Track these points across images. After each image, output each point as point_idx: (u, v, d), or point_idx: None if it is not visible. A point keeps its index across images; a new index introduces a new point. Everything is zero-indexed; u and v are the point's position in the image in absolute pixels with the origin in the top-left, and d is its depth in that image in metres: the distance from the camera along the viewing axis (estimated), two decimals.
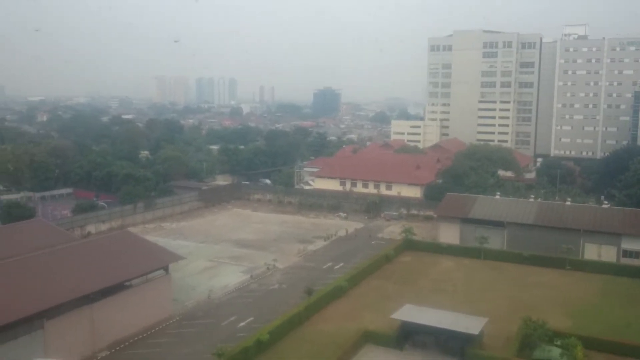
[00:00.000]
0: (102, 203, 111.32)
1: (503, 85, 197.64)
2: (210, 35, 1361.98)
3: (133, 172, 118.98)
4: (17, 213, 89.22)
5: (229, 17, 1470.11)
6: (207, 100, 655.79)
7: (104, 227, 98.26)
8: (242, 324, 58.32)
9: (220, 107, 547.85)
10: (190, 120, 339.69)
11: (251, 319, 59.43)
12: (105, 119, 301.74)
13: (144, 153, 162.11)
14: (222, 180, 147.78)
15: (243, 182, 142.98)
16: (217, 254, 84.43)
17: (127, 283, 57.11)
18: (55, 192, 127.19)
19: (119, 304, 54.78)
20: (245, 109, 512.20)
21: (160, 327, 57.63)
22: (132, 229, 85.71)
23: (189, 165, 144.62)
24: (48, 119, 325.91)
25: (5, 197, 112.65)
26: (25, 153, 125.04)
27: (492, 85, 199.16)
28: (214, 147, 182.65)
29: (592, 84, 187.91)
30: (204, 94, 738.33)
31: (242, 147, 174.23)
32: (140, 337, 55.19)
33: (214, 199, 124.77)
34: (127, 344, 53.71)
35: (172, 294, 62.31)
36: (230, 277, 73.37)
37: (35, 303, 47.32)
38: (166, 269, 61.66)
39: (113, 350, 52.39)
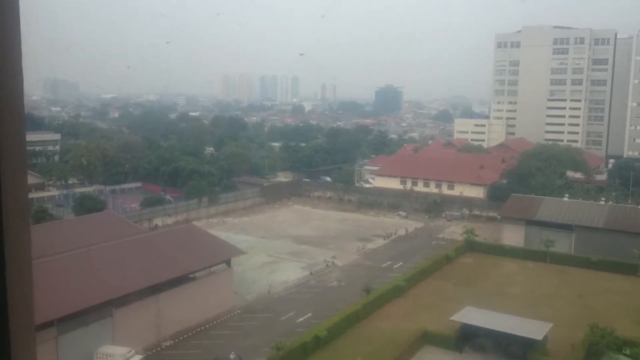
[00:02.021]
0: (169, 197, 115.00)
1: (574, 83, 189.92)
2: (273, 34, 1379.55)
3: (198, 168, 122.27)
4: (89, 205, 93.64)
5: (291, 15, 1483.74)
6: (270, 98, 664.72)
7: (170, 220, 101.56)
8: (300, 319, 58.98)
9: (283, 105, 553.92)
10: (254, 118, 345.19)
11: (310, 314, 60.00)
12: (172, 115, 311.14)
13: (209, 149, 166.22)
14: (283, 177, 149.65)
15: (303, 179, 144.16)
16: (277, 249, 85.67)
17: (191, 275, 58.94)
18: (125, 185, 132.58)
19: (183, 296, 56.61)
20: (307, 106, 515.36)
21: (222, 319, 59.11)
22: (196, 223, 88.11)
23: (251, 162, 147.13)
24: (119, 116, 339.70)
25: (78, 190, 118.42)
26: (98, 148, 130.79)
27: (562, 82, 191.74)
28: (276, 144, 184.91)
29: None
30: (267, 91, 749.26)
31: (303, 144, 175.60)
32: (202, 328, 56.83)
33: (275, 195, 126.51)
34: (190, 334, 55.44)
35: (233, 287, 63.80)
36: (290, 273, 74.31)
37: (105, 292, 49.62)
38: (228, 262, 63.20)
39: (177, 340, 54.19)
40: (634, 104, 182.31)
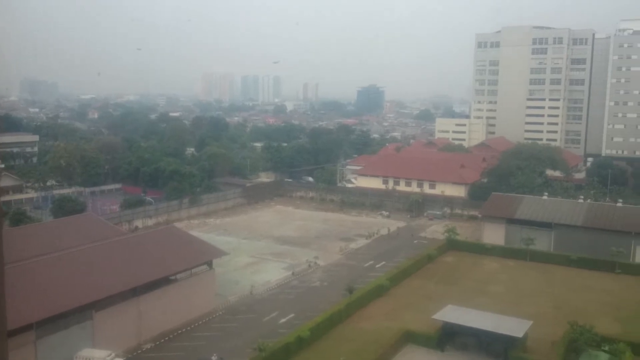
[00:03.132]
0: (149, 198, 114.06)
1: (553, 82, 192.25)
2: (255, 34, 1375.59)
3: (179, 169, 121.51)
4: (68, 207, 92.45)
5: (273, 15, 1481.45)
6: (252, 98, 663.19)
7: (150, 222, 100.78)
8: (283, 320, 58.87)
9: (265, 105, 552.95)
10: (235, 118, 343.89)
11: (292, 315, 59.92)
12: (153, 116, 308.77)
13: (190, 150, 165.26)
14: (265, 178, 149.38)
15: (286, 180, 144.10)
16: (259, 250, 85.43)
17: (173, 277, 58.48)
18: (105, 187, 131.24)
19: (164, 298, 56.17)
20: (289, 106, 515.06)
21: (204, 320, 58.77)
22: (177, 224, 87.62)
23: (233, 162, 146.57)
24: (99, 116, 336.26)
25: (57, 191, 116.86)
26: (77, 149, 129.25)
27: (541, 82, 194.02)
28: (258, 145, 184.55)
29: None
30: (248, 91, 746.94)
31: (285, 144, 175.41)
32: (184, 330, 56.44)
33: (257, 196, 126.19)
34: (171, 336, 55.02)
35: (215, 289, 63.47)
36: (272, 273, 74.13)
37: (85, 295, 49.01)
38: (210, 264, 62.84)
39: (158, 343, 53.73)
40: (612, 103, 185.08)
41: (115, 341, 50.23)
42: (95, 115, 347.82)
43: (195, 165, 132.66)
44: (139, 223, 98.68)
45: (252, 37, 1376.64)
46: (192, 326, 57.38)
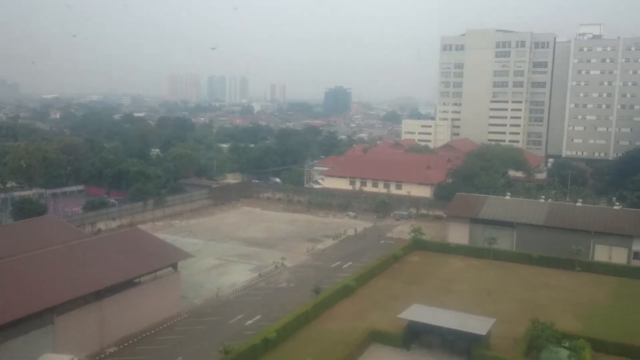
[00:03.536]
0: (113, 200, 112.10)
1: (515, 85, 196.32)
2: (222, 34, 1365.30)
3: (144, 170, 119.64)
4: (29, 209, 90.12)
5: (241, 15, 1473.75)
6: (219, 99, 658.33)
7: (114, 224, 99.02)
8: (249, 322, 58.56)
9: (232, 106, 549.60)
10: (202, 119, 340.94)
11: (259, 317, 59.65)
12: (117, 116, 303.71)
13: (155, 151, 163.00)
14: (232, 179, 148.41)
15: (253, 181, 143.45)
16: (225, 252, 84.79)
17: (137, 280, 57.55)
18: (67, 189, 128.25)
19: (128, 301, 55.22)
20: (256, 107, 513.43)
21: (169, 324, 58.02)
22: (141, 227, 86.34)
23: (199, 163, 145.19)
24: (61, 117, 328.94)
25: (17, 193, 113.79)
26: (38, 150, 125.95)
27: (505, 85, 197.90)
28: (225, 146, 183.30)
29: (605, 84, 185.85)
30: (215, 92, 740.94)
31: (252, 145, 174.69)
32: (148, 333, 55.60)
33: (224, 197, 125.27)
34: (135, 340, 54.14)
35: (180, 291, 62.69)
36: (239, 275, 73.67)
37: (46, 299, 47.85)
38: (175, 266, 62.08)
39: (121, 347, 52.81)
40: (572, 105, 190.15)
41: (77, 346, 49.14)
42: (58, 116, 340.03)
43: (160, 167, 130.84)
44: (102, 225, 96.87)
45: (221, 38, 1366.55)
46: (157, 329, 56.58)
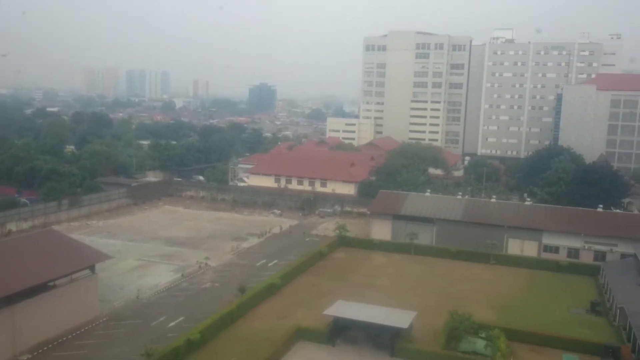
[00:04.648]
0: (24, 200, 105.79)
1: (434, 85, 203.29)
2: (142, 27, 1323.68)
3: (57, 168, 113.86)
4: None
5: (160, 7, 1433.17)
6: (138, 94, 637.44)
7: (25, 225, 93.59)
8: (172, 323, 57.15)
9: (152, 101, 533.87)
10: (120, 114, 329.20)
11: (182, 318, 58.35)
12: (28, 111, 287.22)
13: (70, 147, 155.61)
14: (152, 177, 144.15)
15: (175, 179, 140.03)
16: (146, 252, 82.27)
17: (51, 283, 54.68)
18: None
19: (42, 305, 52.39)
20: (178, 103, 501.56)
21: (87, 328, 55.59)
22: (56, 227, 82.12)
23: (117, 161, 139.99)
24: None
25: None
26: None
27: (424, 85, 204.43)
28: (145, 142, 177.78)
29: (517, 86, 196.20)
30: (134, 87, 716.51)
31: (174, 142, 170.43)
32: (65, 339, 53.01)
33: (144, 196, 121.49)
34: (50, 346, 51.47)
35: (98, 294, 60.22)
36: (161, 276, 71.70)
37: None
38: (92, 268, 59.52)
39: (36, 353, 50.05)
40: (486, 106, 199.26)
41: None
42: None
43: (75, 164, 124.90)
44: (12, 227, 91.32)
45: (140, 31, 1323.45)
46: (74, 334, 54.06)
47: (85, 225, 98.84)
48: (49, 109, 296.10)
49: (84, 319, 56.65)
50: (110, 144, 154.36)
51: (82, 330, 55.12)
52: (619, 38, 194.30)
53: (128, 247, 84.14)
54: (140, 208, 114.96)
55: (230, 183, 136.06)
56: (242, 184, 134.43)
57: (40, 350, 50.58)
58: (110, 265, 69.42)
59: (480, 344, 49.77)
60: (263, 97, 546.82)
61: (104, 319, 57.91)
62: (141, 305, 62.05)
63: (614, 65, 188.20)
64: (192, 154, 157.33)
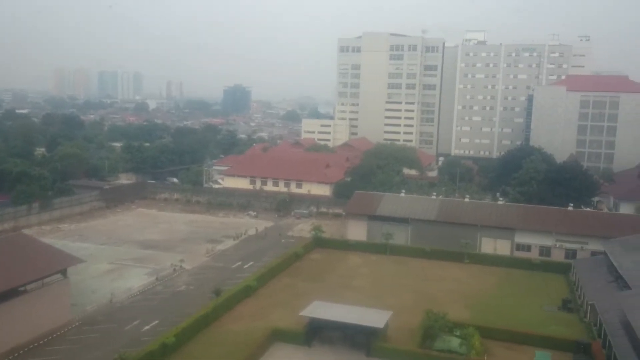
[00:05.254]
0: None
1: (408, 87, 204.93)
2: (114, 28, 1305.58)
3: (27, 170, 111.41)
4: None
5: (132, 8, 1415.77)
6: (110, 95, 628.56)
7: None
8: (146, 327, 56.44)
9: (125, 103, 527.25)
10: (92, 116, 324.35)
11: (156, 322, 57.66)
12: None
13: (40, 150, 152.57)
14: (125, 179, 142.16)
15: (148, 181, 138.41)
16: (120, 255, 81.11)
17: (22, 288, 53.52)
18: None
19: (12, 311, 51.25)
20: (152, 104, 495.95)
21: (59, 333, 54.56)
22: (26, 231, 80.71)
23: (89, 163, 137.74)
24: None
25: None
26: None
27: (398, 86, 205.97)
28: (117, 144, 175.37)
29: (489, 87, 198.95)
30: (106, 88, 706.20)
31: (147, 144, 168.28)
32: (36, 344, 51.92)
33: (117, 199, 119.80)
34: (22, 352, 50.36)
35: (70, 299, 59.17)
36: (134, 280, 70.77)
37: None
38: (64, 272, 58.44)
39: (6, 359, 49.03)
40: (460, 107, 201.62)
41: None
42: None
43: (46, 167, 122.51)
44: None
45: (112, 32, 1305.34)
46: (46, 340, 52.99)
47: (57, 228, 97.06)
48: (18, 111, 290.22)
49: (56, 324, 55.61)
50: (82, 146, 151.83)
51: (55, 335, 54.10)
52: (588, 40, 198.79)
53: (101, 251, 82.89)
54: (113, 211, 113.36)
55: (205, 185, 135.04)
56: (217, 186, 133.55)
57: (11, 357, 49.46)
58: (82, 269, 68.28)
59: (455, 342, 50.31)
60: (238, 98, 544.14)
61: (77, 324, 56.93)
62: (115, 309, 61.15)
63: (583, 66, 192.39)
64: (165, 155, 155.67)
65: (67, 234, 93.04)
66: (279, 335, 52.75)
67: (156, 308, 61.74)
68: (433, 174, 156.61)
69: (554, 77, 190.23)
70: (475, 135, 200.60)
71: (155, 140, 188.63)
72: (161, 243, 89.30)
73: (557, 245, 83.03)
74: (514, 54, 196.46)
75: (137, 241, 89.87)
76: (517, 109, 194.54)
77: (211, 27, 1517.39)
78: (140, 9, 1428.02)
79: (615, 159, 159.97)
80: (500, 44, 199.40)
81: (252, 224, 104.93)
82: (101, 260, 77.48)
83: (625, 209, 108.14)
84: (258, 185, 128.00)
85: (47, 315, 54.97)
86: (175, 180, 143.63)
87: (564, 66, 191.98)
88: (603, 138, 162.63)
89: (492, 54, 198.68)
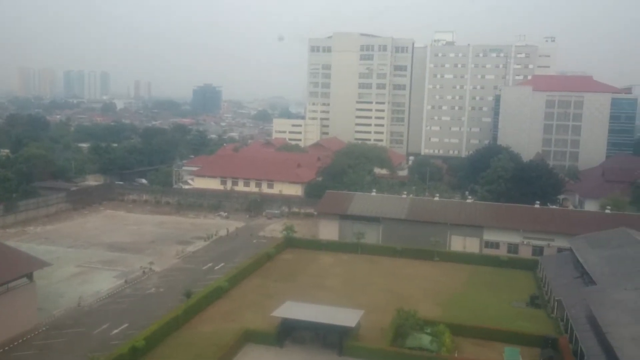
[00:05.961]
0: None
1: (379, 87, 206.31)
2: (80, 27, 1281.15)
3: None
4: None
5: (98, 7, 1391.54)
6: (77, 95, 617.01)
7: None
8: (115, 331, 55.54)
9: (91, 103, 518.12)
10: (58, 116, 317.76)
11: (126, 325, 56.77)
12: None
13: (4, 151, 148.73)
14: (93, 181, 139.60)
15: (116, 182, 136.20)
16: (87, 258, 79.62)
17: None
18: None
19: None
20: (119, 104, 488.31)
21: (25, 338, 53.24)
22: None
23: (55, 165, 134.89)
24: None
25: None
26: None
27: (369, 86, 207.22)
28: (84, 145, 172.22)
29: (458, 87, 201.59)
30: (73, 88, 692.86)
31: (115, 145, 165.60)
32: (1, 350, 50.57)
33: (84, 201, 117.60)
34: None
35: (36, 303, 57.84)
36: (103, 283, 69.56)
37: None
38: (30, 276, 57.07)
39: None
40: (429, 107, 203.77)
41: None
42: None
43: (10, 169, 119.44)
44: None
45: (78, 32, 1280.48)
46: (11, 345, 51.66)
47: (22, 231, 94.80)
48: None
49: (22, 329, 54.27)
50: (48, 147, 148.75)
51: (20, 340, 52.80)
52: (553, 41, 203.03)
53: (68, 254, 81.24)
54: (80, 213, 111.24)
55: (175, 186, 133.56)
56: (187, 187, 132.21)
57: None
58: (49, 273, 66.87)
59: (425, 340, 50.80)
60: (208, 98, 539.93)
61: (44, 329, 55.67)
62: (83, 313, 60.01)
63: (548, 67, 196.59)
64: (134, 156, 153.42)
65: (33, 237, 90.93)
66: (250, 336, 52.50)
67: (125, 311, 60.81)
68: (403, 173, 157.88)
69: (521, 77, 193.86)
70: (444, 134, 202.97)
71: (123, 141, 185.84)
72: (130, 245, 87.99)
73: (525, 243, 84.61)
74: (481, 55, 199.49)
75: (105, 243, 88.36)
76: (484, 109, 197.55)
77: (180, 27, 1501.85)
78: (107, 7, 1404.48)
79: (580, 157, 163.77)
80: (468, 44, 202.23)
81: (223, 224, 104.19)
82: (68, 264, 75.94)
83: (590, 206, 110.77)
84: (229, 185, 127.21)
85: (13, 320, 53.60)
86: (144, 181, 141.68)
87: (530, 66, 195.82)
88: (568, 137, 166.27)
89: (460, 55, 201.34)
